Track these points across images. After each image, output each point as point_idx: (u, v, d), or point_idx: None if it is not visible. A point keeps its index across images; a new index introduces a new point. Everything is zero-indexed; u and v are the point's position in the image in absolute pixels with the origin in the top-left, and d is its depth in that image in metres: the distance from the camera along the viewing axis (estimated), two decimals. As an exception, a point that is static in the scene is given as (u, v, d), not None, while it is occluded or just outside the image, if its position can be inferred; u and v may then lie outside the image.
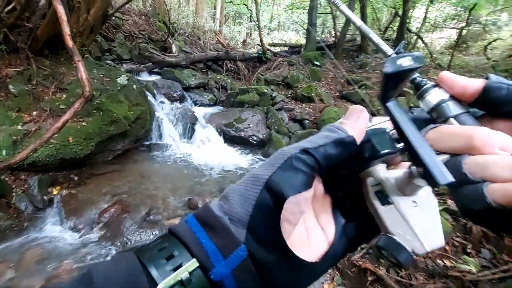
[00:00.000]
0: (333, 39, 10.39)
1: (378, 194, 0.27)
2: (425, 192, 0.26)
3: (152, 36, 8.41)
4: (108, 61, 6.18)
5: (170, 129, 4.67)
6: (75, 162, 3.17)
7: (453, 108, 0.27)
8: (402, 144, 0.26)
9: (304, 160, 0.25)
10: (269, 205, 0.24)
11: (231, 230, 0.24)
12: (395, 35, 9.63)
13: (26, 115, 3.00)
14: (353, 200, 0.30)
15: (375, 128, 0.28)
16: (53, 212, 2.64)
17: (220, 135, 4.86)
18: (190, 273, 0.22)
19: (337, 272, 1.92)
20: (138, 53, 6.96)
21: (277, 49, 10.40)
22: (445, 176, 0.22)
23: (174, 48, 7.80)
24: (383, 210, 0.26)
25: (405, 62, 0.25)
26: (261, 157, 4.54)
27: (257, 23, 9.39)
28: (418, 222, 0.25)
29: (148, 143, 4.43)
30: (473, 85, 0.26)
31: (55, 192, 2.81)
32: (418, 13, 10.06)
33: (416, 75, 0.30)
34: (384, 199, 0.26)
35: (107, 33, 7.20)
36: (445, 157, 0.24)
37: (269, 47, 9.61)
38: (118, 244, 2.47)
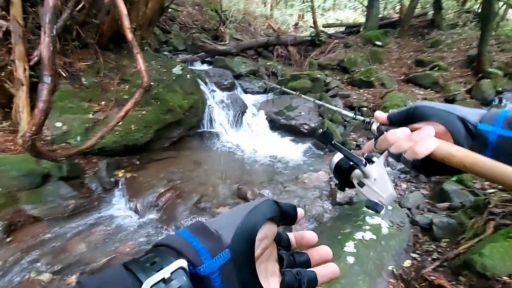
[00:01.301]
0: (397, 15, 9.18)
1: (359, 184, 0.51)
2: (378, 171, 0.49)
3: (204, 25, 8.58)
4: (166, 53, 6.52)
5: (221, 118, 4.73)
6: (137, 148, 3.43)
7: (383, 127, 0.52)
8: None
9: (275, 204, 0.36)
10: (253, 225, 0.32)
11: (218, 235, 0.30)
12: (477, 6, 8.04)
13: (95, 105, 3.32)
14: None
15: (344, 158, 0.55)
16: (118, 193, 2.90)
17: (270, 124, 4.74)
18: (172, 272, 0.25)
19: (402, 284, 1.66)
20: (191, 43, 7.18)
21: (332, 31, 9.66)
22: (361, 160, 0.49)
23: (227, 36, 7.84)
24: (364, 190, 0.49)
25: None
26: (312, 147, 4.29)
27: (310, 3, 8.81)
28: (379, 188, 0.47)
29: (200, 131, 4.57)
30: (383, 117, 0.53)
31: (120, 175, 3.08)
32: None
33: (363, 119, 0.60)
34: (362, 184, 0.50)
35: (164, 25, 7.58)
36: (386, 151, 0.50)
37: (323, 29, 8.99)
38: (173, 227, 2.60)
